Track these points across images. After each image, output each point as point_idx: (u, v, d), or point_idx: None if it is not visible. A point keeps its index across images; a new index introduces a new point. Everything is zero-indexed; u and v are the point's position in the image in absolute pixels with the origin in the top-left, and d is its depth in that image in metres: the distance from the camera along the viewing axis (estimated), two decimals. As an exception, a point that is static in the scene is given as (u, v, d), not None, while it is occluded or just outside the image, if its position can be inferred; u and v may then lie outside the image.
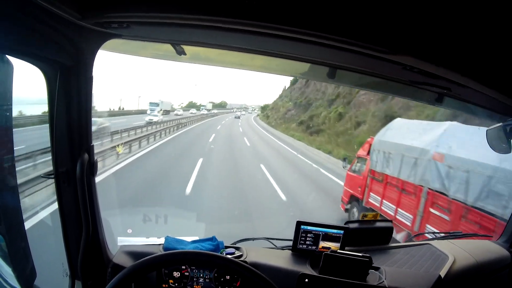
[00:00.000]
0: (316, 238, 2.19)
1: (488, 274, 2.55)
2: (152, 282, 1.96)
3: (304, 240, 2.20)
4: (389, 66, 1.49)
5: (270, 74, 2.24)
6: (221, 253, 2.08)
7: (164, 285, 1.97)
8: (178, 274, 1.97)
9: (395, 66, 1.47)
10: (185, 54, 1.70)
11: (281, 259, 2.15)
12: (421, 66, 1.45)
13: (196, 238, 2.16)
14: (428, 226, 6.58)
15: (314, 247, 2.20)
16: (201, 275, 1.99)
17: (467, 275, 2.41)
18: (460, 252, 2.55)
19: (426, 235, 3.05)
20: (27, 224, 4.62)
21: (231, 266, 1.51)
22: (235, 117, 69.37)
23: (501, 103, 1.81)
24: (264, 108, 79.35)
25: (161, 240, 2.10)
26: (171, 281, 1.97)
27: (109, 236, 1.96)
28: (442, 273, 2.18)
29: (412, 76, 1.69)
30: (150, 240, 2.15)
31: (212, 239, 2.15)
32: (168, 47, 1.66)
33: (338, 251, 2.01)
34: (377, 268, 2.09)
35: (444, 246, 2.62)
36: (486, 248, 2.78)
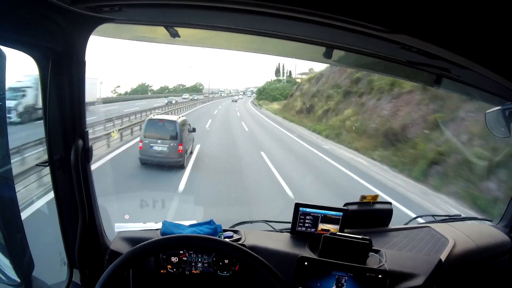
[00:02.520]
0: (315, 220, 2.19)
1: (488, 259, 2.56)
2: (150, 267, 1.96)
3: (303, 222, 2.20)
4: (387, 45, 1.48)
5: (265, 55, 2.24)
6: (219, 236, 2.09)
7: (162, 271, 1.98)
8: (176, 259, 1.98)
9: (393, 45, 1.45)
10: (179, 36, 1.69)
11: (280, 242, 2.16)
12: (419, 46, 1.44)
13: (194, 222, 2.15)
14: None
15: (313, 230, 2.20)
16: (199, 259, 2.00)
17: (468, 259, 2.42)
18: (460, 236, 2.56)
19: (426, 218, 3.10)
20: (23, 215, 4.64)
21: (229, 250, 1.53)
22: (232, 101, 54.82)
23: (501, 85, 1.79)
24: (262, 92, 61.01)
25: (159, 225, 2.11)
26: (169, 266, 1.98)
27: (106, 222, 1.96)
28: (443, 257, 2.18)
29: (410, 56, 1.68)
30: (148, 225, 2.15)
31: (210, 222, 2.15)
32: (162, 30, 1.64)
33: (338, 233, 2.01)
34: (377, 251, 2.10)
35: (444, 229, 2.62)
36: (486, 232, 2.80)
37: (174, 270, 1.99)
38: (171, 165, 11.67)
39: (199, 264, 2.00)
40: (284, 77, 55.59)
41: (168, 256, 1.98)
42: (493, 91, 2.20)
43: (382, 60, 1.95)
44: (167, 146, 11.62)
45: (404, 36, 1.33)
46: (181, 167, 11.70)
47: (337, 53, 1.87)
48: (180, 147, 11.71)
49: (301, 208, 2.19)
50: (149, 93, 53.13)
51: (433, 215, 2.99)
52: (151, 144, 11.76)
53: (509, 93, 2.01)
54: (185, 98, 49.61)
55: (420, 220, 3.05)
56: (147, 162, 11.77)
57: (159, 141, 11.74)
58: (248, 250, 1.54)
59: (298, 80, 50.15)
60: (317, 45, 1.80)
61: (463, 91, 2.45)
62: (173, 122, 12.38)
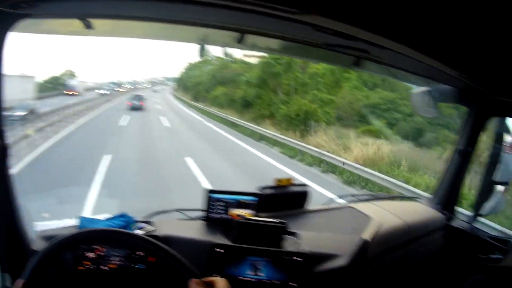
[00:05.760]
0: (229, 206, 2.36)
1: (420, 236, 2.82)
2: (69, 265, 2.00)
3: (216, 208, 2.36)
4: (301, 28, 1.58)
5: (178, 42, 2.37)
6: (132, 228, 2.22)
7: (79, 267, 1.99)
8: (92, 254, 2.00)
9: (306, 27, 1.55)
10: (93, 28, 1.82)
11: (194, 230, 2.30)
12: (334, 27, 1.53)
13: (110, 216, 2.28)
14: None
15: (227, 216, 2.36)
16: (115, 253, 2.04)
17: (396, 237, 2.67)
18: (386, 214, 2.81)
19: (347, 198, 3.33)
20: None
21: (136, 241, 1.70)
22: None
23: (427, 66, 1.97)
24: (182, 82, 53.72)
25: (76, 221, 2.20)
26: (86, 262, 2.00)
27: (28, 222, 2.06)
28: (367, 236, 2.38)
29: (327, 38, 1.79)
30: (65, 222, 2.29)
31: (124, 215, 2.27)
32: (77, 22, 1.75)
33: (252, 218, 2.18)
34: (294, 234, 2.25)
35: (367, 208, 2.87)
36: (415, 210, 3.09)
37: (92, 266, 2.02)
38: (140, 109, 32.28)
39: (116, 258, 2.05)
40: (210, 57, 42.48)
41: (85, 251, 2.00)
42: (418, 71, 2.43)
43: (297, 43, 2.11)
44: (139, 102, 32.52)
45: (317, 17, 1.41)
46: (141, 109, 32.19)
47: (249, 38, 2.02)
48: (143, 103, 33.55)
49: (212, 195, 2.36)
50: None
51: (354, 195, 3.25)
52: (133, 102, 32.77)
53: (436, 73, 2.22)
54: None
55: (340, 200, 3.34)
56: (132, 108, 31.14)
57: (136, 101, 33.12)
58: (152, 239, 1.71)
59: (251, 61, 37.96)
60: (229, 30, 1.95)
61: (386, 72, 2.73)
62: (140, 95, 36.60)
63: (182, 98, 47.81)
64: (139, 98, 35.86)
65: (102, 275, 2.05)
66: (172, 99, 48.09)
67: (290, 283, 2.03)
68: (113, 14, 1.80)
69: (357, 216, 2.77)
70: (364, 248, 2.32)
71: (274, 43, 2.20)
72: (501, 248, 3.07)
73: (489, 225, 6.24)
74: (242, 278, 2.04)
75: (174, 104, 44.93)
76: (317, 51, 2.26)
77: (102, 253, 2.03)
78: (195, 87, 45.56)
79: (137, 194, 9.83)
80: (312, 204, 2.86)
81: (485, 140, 3.37)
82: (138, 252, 2.03)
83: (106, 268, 2.04)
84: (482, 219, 4.23)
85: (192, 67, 49.00)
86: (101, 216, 2.27)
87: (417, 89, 2.88)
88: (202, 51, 2.19)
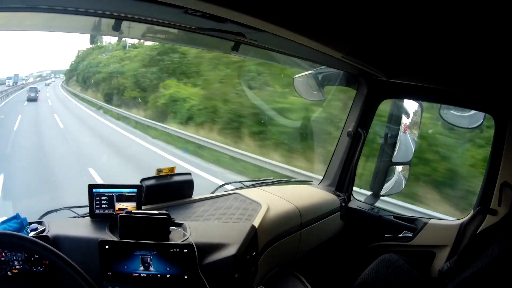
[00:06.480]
0: (111, 200, 2.35)
1: (315, 219, 2.96)
2: None
3: (99, 204, 2.35)
4: (170, 11, 1.57)
5: (55, 33, 2.40)
6: (26, 230, 2.18)
7: None
8: None
9: (176, 10, 1.55)
10: None
11: (82, 228, 2.30)
12: (204, 9, 1.52)
13: (4, 218, 2.21)
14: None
15: (111, 210, 2.35)
16: (15, 257, 2.08)
17: (287, 222, 2.79)
18: (275, 199, 2.92)
19: (232, 185, 3.42)
20: None
21: (26, 244, 1.71)
22: None
23: (311, 49, 2.02)
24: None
25: None
26: None
27: None
28: (256, 222, 2.45)
29: (199, 22, 1.81)
30: None
31: (16, 216, 2.22)
32: None
33: (134, 211, 2.18)
34: (179, 224, 2.28)
35: (255, 194, 2.96)
36: (306, 193, 3.23)
37: None
38: (35, 100, 29.01)
39: (16, 263, 2.09)
40: (108, 42, 30.78)
41: None
42: (302, 55, 2.51)
43: (172, 28, 2.14)
44: (34, 93, 28.91)
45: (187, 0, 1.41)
46: (36, 100, 28.97)
47: (126, 25, 2.02)
48: (38, 94, 29.92)
49: (94, 190, 2.33)
50: None
51: (242, 181, 3.30)
52: (31, 94, 28.94)
53: (321, 57, 2.31)
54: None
55: (229, 187, 3.38)
56: (29, 100, 28.67)
57: (32, 92, 29.26)
58: (40, 241, 1.72)
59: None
60: (105, 17, 1.94)
61: (266, 56, 2.83)
62: (36, 87, 31.38)
63: (88, 99, 30.55)
64: (35, 90, 35.26)
65: (6, 281, 2.09)
66: (69, 98, 34.01)
67: (185, 277, 2.06)
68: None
69: (245, 202, 2.83)
70: (255, 235, 2.37)
71: (149, 29, 2.21)
72: (409, 226, 3.24)
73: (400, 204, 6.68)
74: (136, 275, 2.06)
75: (85, 114, 26.12)
76: (192, 36, 2.32)
77: (3, 258, 2.06)
78: (108, 81, 29.56)
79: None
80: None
81: (382, 122, 3.48)
82: (35, 255, 2.07)
83: (10, 274, 2.09)
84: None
85: (85, 55, 36.64)
86: None
87: (300, 74, 2.98)
88: (94, 38, 2.16)
